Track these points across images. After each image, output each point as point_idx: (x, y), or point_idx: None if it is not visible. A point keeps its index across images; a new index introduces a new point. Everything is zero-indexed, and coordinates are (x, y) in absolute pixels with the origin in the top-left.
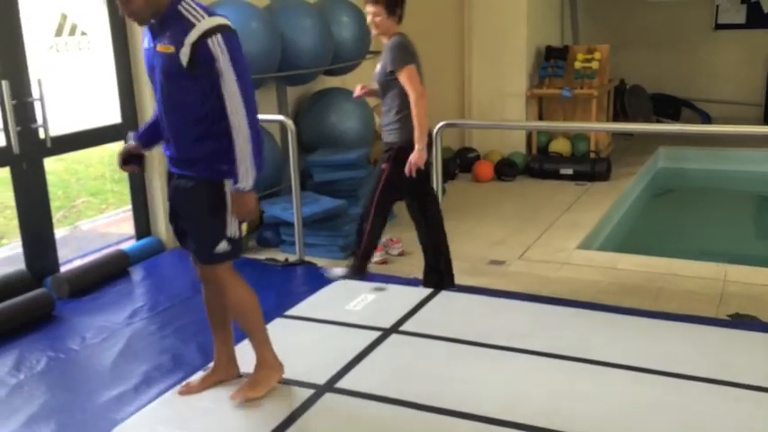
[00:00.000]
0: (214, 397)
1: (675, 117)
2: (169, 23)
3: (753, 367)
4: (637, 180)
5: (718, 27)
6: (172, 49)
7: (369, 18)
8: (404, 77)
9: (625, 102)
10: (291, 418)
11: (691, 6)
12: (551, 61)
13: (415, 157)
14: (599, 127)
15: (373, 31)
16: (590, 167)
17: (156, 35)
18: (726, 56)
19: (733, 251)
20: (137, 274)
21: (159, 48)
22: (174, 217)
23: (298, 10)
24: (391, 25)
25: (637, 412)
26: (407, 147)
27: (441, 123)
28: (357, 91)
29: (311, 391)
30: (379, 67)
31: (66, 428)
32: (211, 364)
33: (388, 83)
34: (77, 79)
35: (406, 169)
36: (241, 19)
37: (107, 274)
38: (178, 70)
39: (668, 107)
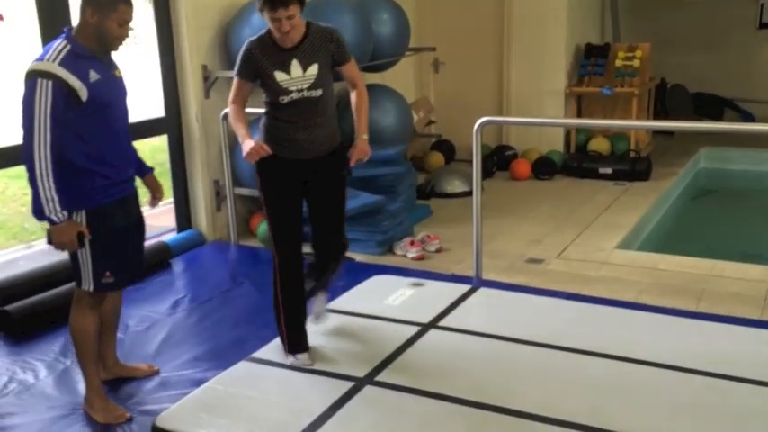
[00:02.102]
0: (256, 386)
1: (718, 117)
2: None
3: None
4: (677, 180)
5: (763, 26)
6: None
7: (285, 25)
8: (353, 66)
9: (666, 101)
10: (332, 409)
11: (734, 5)
12: (591, 59)
13: (363, 144)
14: (637, 125)
15: (290, 36)
16: (630, 167)
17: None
18: None
19: None
20: (178, 265)
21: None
22: None
23: (338, 6)
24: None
25: (679, 412)
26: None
27: (481, 120)
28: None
29: (351, 384)
30: (307, 69)
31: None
32: None
33: (330, 79)
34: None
35: (354, 157)
36: None
37: (150, 266)
38: None
39: (711, 107)
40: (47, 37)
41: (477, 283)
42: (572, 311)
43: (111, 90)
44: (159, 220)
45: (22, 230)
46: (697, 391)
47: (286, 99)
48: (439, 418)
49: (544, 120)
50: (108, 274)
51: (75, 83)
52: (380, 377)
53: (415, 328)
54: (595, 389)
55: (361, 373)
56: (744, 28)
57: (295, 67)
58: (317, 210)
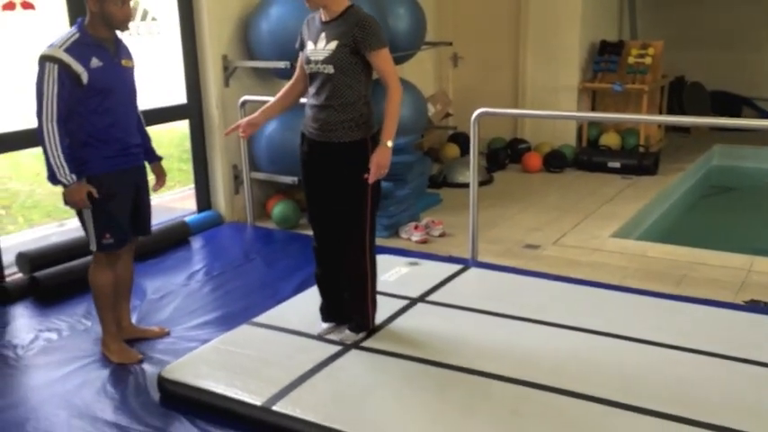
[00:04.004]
0: (254, 346)
1: (736, 116)
2: None
3: (757, 345)
4: (685, 176)
5: None
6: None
7: None
8: (382, 59)
9: (683, 99)
10: (320, 366)
11: (753, 4)
12: (605, 56)
13: (381, 155)
14: (637, 118)
15: (306, 4)
16: (637, 161)
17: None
18: None
19: None
20: (197, 243)
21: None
22: None
23: (357, 3)
24: None
25: (628, 377)
26: (374, 144)
27: (478, 111)
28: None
29: (339, 347)
30: (328, 43)
31: (124, 367)
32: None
33: (351, 64)
34: (151, 62)
35: (372, 174)
36: (298, 6)
37: (170, 241)
38: None
39: (729, 105)
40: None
41: (471, 263)
42: (554, 290)
43: (113, 77)
44: (183, 204)
45: (55, 209)
46: (650, 360)
47: (308, 70)
48: (412, 376)
49: (538, 112)
50: (108, 236)
51: (78, 68)
52: (365, 343)
53: (405, 302)
54: (562, 357)
55: (348, 340)
56: (763, 27)
57: (321, 40)
58: (332, 204)
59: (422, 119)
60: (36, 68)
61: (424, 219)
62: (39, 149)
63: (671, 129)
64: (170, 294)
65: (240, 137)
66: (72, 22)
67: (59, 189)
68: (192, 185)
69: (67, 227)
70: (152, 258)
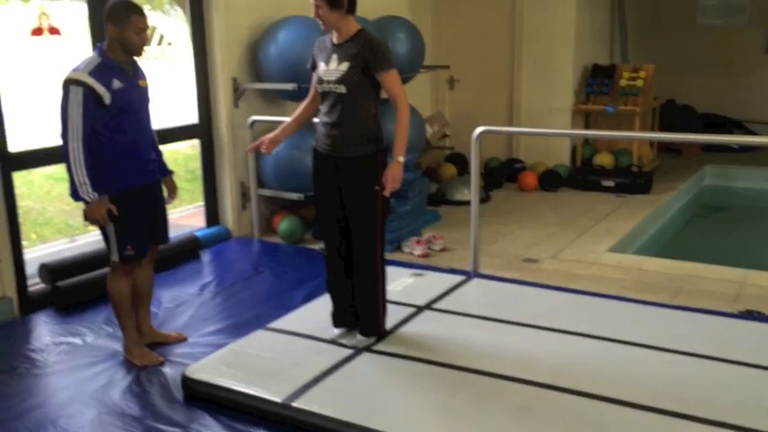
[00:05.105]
0: (270, 348)
1: None
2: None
3: (750, 349)
4: (678, 194)
5: None
6: None
7: (314, 10)
8: (391, 80)
9: (675, 121)
10: (334, 368)
11: (743, 30)
12: (597, 79)
13: (394, 170)
14: (624, 135)
15: (321, 26)
16: (631, 180)
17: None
18: None
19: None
20: (206, 256)
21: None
22: None
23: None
24: (339, 18)
25: (626, 379)
26: (383, 157)
27: (479, 129)
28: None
29: (352, 351)
30: (339, 64)
31: (147, 369)
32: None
33: (361, 84)
34: (165, 84)
35: (388, 187)
36: (304, 31)
37: (182, 255)
38: None
39: (719, 126)
40: None
41: (472, 275)
42: (555, 299)
43: (133, 97)
44: (189, 221)
45: (66, 226)
46: (648, 361)
47: (320, 89)
48: (422, 376)
49: (537, 130)
50: (129, 247)
51: (100, 89)
52: (377, 347)
53: (412, 309)
54: (560, 358)
55: (361, 344)
56: (751, 52)
57: (333, 60)
58: (344, 214)
59: (421, 139)
60: (61, 91)
61: (426, 234)
62: (50, 169)
63: (663, 149)
64: (185, 304)
65: (263, 152)
66: (94, 46)
67: (69, 207)
68: (197, 204)
69: (79, 242)
70: (165, 270)
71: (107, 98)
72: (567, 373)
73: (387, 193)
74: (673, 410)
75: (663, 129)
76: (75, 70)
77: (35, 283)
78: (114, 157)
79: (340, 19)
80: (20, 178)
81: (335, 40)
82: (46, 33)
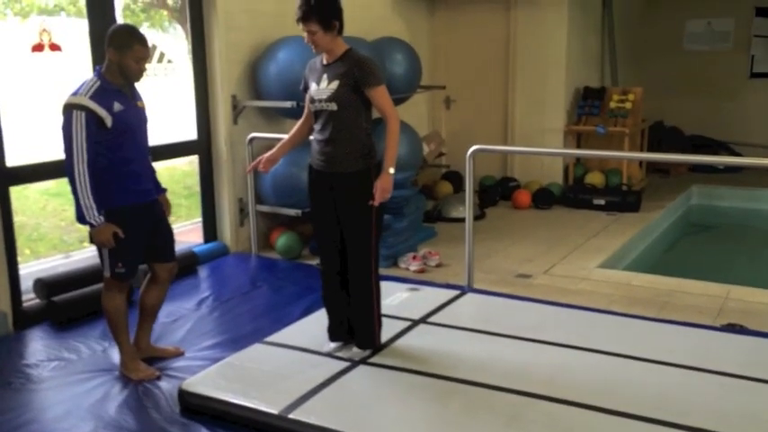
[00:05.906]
0: (267, 362)
1: None
2: None
3: (732, 360)
4: (666, 213)
5: (754, 75)
6: None
7: (308, 38)
8: (379, 95)
9: (662, 142)
10: (330, 380)
11: (728, 55)
12: (588, 101)
13: (384, 181)
14: (615, 155)
15: (314, 50)
16: (621, 199)
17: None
18: (761, 103)
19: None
20: (204, 272)
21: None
22: None
23: (355, 46)
24: (331, 40)
25: (612, 388)
26: (376, 172)
27: (473, 147)
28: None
29: (348, 363)
30: (330, 83)
31: (143, 383)
32: None
33: (352, 101)
34: (165, 100)
35: (377, 197)
36: (303, 51)
37: (180, 270)
38: None
39: (706, 148)
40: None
41: (467, 290)
42: (546, 313)
43: (132, 118)
44: (187, 237)
45: (60, 242)
46: (635, 372)
47: (312, 108)
48: (417, 387)
49: (530, 149)
50: (120, 265)
51: (102, 112)
52: (372, 360)
53: (407, 323)
54: (550, 369)
55: (357, 357)
56: (737, 76)
57: (324, 80)
58: (339, 229)
59: (417, 157)
60: (62, 116)
61: (422, 250)
62: (46, 184)
63: (651, 169)
64: (182, 318)
65: (261, 171)
66: (95, 63)
67: (64, 223)
68: (194, 220)
69: (74, 258)
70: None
71: (109, 121)
72: (558, 383)
73: (375, 203)
74: (658, 419)
75: (651, 150)
76: (75, 94)
77: (30, 299)
78: (113, 177)
79: (332, 41)
80: (15, 193)
81: (325, 61)
82: (47, 50)
